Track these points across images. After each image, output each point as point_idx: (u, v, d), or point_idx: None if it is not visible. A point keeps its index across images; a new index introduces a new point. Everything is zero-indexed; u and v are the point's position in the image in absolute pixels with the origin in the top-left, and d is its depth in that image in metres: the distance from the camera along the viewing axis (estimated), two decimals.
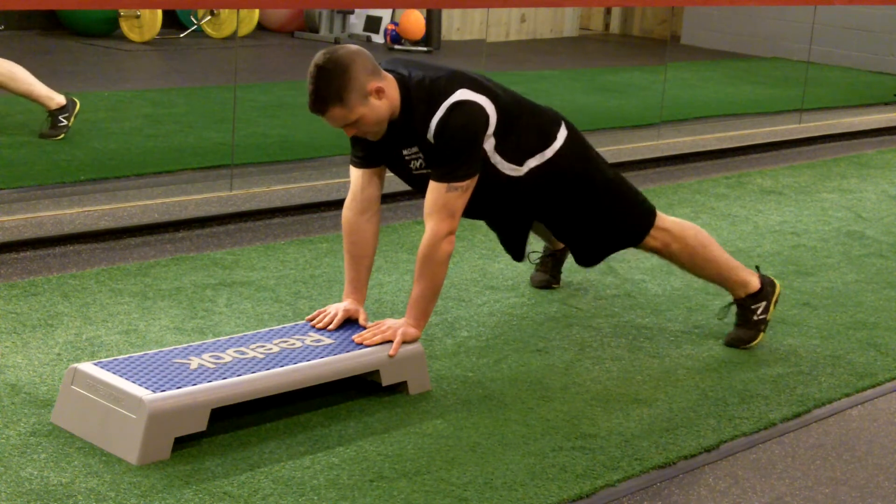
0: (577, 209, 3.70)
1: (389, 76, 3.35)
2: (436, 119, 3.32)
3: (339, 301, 3.55)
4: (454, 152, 3.33)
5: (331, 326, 3.40)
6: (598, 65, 11.09)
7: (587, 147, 3.72)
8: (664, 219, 3.78)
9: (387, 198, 5.45)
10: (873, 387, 3.67)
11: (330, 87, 3.23)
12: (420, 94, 3.34)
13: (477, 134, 3.37)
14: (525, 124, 3.52)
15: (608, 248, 3.81)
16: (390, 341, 3.32)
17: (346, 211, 3.53)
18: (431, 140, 3.34)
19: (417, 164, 3.44)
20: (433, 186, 3.36)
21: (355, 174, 3.53)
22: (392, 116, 3.35)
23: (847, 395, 3.59)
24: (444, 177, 3.34)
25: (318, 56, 3.26)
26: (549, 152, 3.57)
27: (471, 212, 3.57)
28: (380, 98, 3.29)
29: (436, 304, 3.49)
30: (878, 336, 4.08)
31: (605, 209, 3.72)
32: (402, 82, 3.36)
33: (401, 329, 3.34)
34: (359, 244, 3.51)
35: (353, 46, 3.32)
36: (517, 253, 3.96)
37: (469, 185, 3.36)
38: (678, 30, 12.81)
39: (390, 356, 3.28)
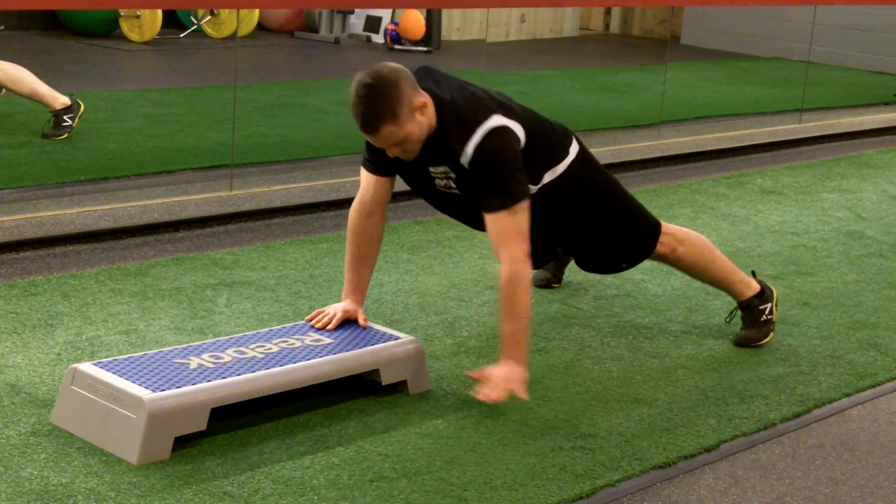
0: (589, 222, 3.69)
1: (425, 93, 3.28)
2: (472, 145, 3.25)
3: (339, 301, 3.55)
4: (505, 177, 3.26)
5: (329, 327, 3.40)
6: (598, 65, 11.09)
7: (595, 161, 3.71)
8: (667, 225, 3.81)
9: None
10: (873, 387, 3.67)
11: (382, 105, 3.16)
12: (453, 114, 3.28)
13: (517, 154, 3.31)
14: (542, 144, 3.49)
15: (621, 259, 3.79)
16: (391, 342, 3.32)
17: (353, 213, 3.51)
18: (466, 166, 3.27)
19: (443, 182, 3.39)
20: (493, 217, 3.27)
21: (367, 178, 3.50)
22: (428, 134, 3.30)
23: (847, 395, 3.59)
24: (504, 203, 3.25)
25: (362, 76, 3.19)
26: (561, 167, 3.54)
27: (480, 224, 3.56)
28: (423, 114, 3.24)
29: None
30: (878, 336, 4.08)
31: (617, 220, 3.71)
32: (437, 100, 3.30)
33: (514, 380, 3.22)
34: (363, 246, 3.51)
35: (392, 63, 3.25)
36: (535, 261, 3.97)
37: (528, 201, 3.29)
38: (678, 30, 12.81)
39: (523, 400, 3.19)
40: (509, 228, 3.25)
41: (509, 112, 3.36)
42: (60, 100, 5.83)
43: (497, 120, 3.30)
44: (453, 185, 3.38)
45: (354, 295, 3.51)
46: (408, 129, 3.22)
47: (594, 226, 3.70)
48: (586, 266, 3.87)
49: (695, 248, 3.81)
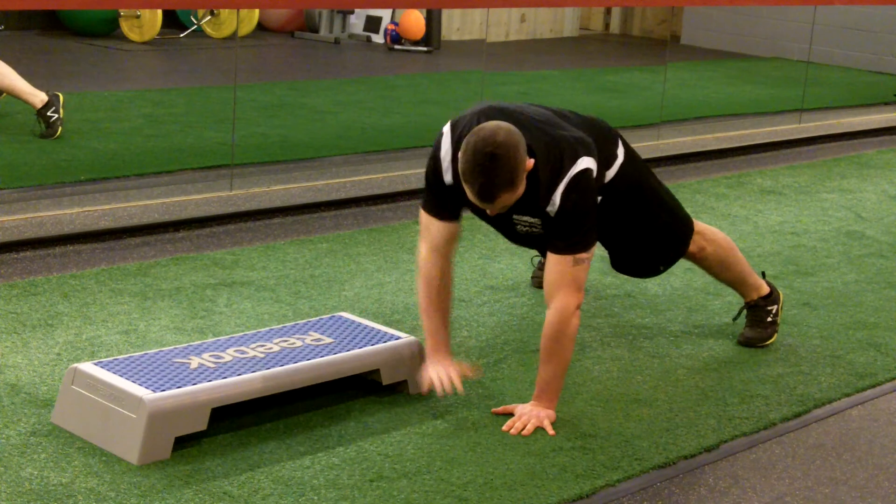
0: (635, 221, 3.63)
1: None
2: (559, 193, 3.17)
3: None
4: (580, 225, 3.20)
5: (450, 389, 3.24)
6: (598, 65, 11.09)
7: (640, 159, 3.65)
8: (697, 223, 3.78)
9: (386, 198, 5.47)
10: (873, 387, 3.67)
11: (504, 176, 3.03)
12: (543, 164, 3.17)
13: (595, 201, 3.27)
14: (599, 154, 3.38)
15: (658, 261, 3.76)
16: (391, 342, 3.32)
17: (429, 265, 3.32)
18: (553, 214, 3.19)
19: (525, 228, 3.33)
20: (557, 260, 3.20)
21: (439, 227, 3.32)
22: None
23: (847, 395, 3.59)
24: (570, 248, 3.18)
25: (480, 143, 3.03)
26: (613, 171, 3.47)
27: (524, 242, 3.54)
28: (526, 172, 3.13)
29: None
30: (878, 336, 4.08)
31: (659, 218, 3.66)
32: (529, 151, 3.16)
33: (543, 416, 3.21)
34: (443, 294, 3.34)
35: (503, 124, 3.09)
36: None
37: (593, 252, 3.24)
38: (678, 30, 12.81)
39: (551, 435, 3.17)
40: (568, 277, 3.19)
41: (590, 150, 3.25)
42: (40, 97, 5.83)
43: (582, 163, 3.20)
44: (535, 230, 3.32)
45: (445, 350, 3.34)
46: (519, 192, 3.12)
47: (639, 224, 3.63)
48: (623, 267, 3.80)
49: (721, 250, 3.80)
